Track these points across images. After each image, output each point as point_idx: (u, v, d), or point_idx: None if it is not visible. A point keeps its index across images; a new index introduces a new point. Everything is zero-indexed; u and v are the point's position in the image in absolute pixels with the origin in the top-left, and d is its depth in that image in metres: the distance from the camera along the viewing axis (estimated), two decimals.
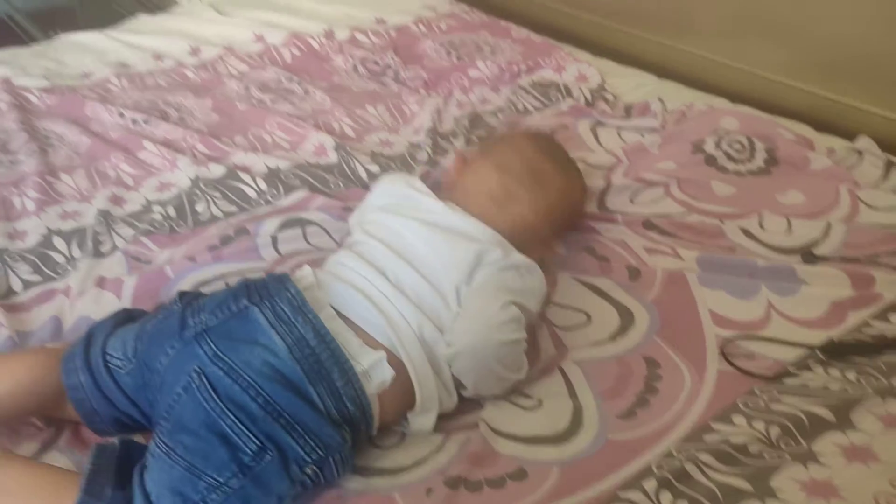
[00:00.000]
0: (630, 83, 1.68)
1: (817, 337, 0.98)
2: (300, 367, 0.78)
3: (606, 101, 1.60)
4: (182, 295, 0.88)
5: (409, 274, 0.90)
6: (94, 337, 0.86)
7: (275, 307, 0.81)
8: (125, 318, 0.90)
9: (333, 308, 0.85)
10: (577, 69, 1.69)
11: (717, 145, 1.37)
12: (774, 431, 0.85)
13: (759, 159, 1.34)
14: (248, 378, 0.76)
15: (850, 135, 1.41)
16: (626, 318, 1.02)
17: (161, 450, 0.75)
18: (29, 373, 0.85)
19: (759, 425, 0.86)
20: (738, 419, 0.87)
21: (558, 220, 1.09)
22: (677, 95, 1.60)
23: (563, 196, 1.10)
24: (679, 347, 0.97)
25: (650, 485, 0.79)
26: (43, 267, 1.11)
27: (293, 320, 0.81)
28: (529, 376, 0.92)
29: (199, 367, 0.77)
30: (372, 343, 0.84)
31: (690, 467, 0.81)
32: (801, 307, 1.03)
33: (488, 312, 0.87)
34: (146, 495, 0.73)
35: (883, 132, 1.40)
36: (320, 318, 0.82)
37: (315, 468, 0.77)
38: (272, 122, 1.46)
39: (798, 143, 1.37)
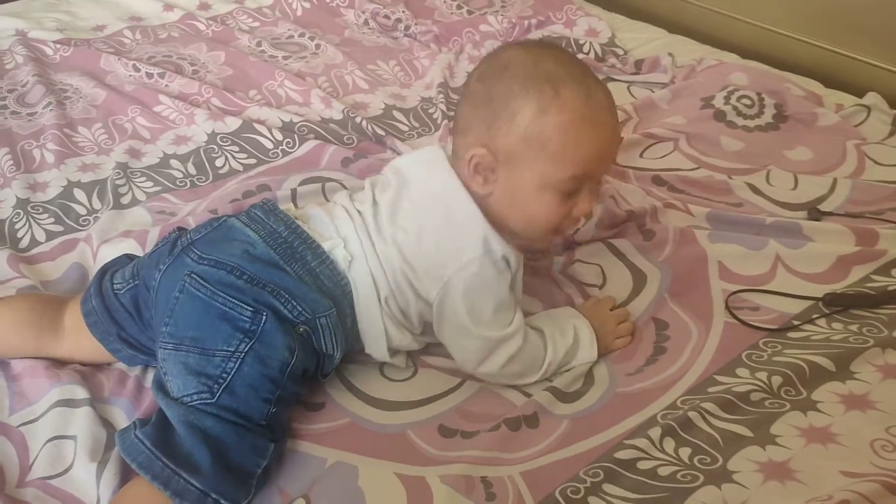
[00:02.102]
0: (640, 38, 1.68)
1: (821, 291, 1.01)
2: (275, 252, 0.85)
3: (616, 55, 1.61)
4: (179, 229, 0.95)
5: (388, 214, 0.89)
6: (105, 273, 0.94)
7: (249, 213, 0.90)
8: (131, 259, 0.96)
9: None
10: (588, 24, 1.69)
11: (727, 101, 1.38)
12: (776, 381, 0.88)
13: (768, 115, 1.35)
14: (231, 263, 0.84)
15: (859, 91, 1.41)
16: (639, 280, 1.03)
17: (170, 349, 0.82)
18: (30, 309, 0.92)
19: (762, 375, 0.89)
20: (742, 372, 0.90)
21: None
22: (687, 50, 1.61)
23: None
24: (687, 303, 1.00)
25: (654, 432, 0.83)
26: (65, 218, 1.14)
27: (265, 219, 0.89)
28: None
29: (189, 271, 0.84)
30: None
31: (694, 415, 0.84)
32: (807, 262, 1.05)
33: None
34: (166, 393, 0.80)
35: (893, 88, 1.41)
36: (290, 215, 0.90)
37: (306, 328, 0.83)
38: (284, 78, 1.47)
39: (807, 98, 1.38)
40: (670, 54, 1.56)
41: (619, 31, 1.69)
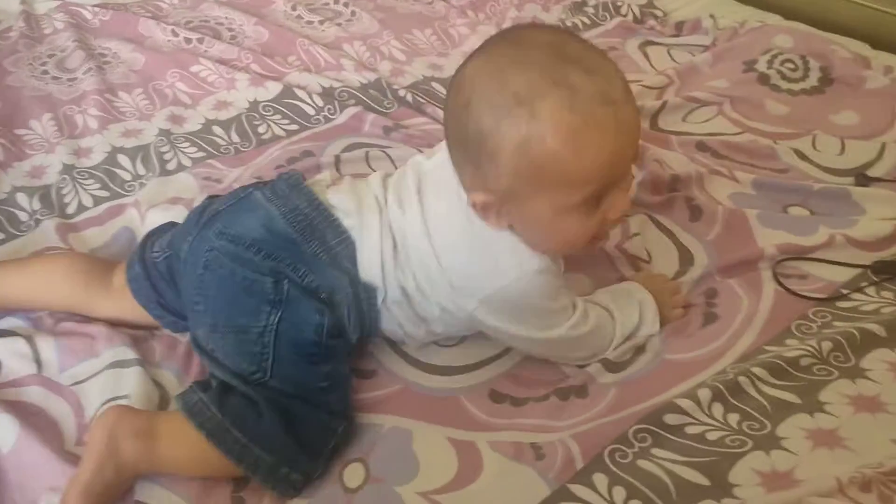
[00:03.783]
0: None
1: (870, 258, 0.99)
2: (293, 229, 0.83)
3: (656, 17, 1.58)
4: (210, 197, 0.94)
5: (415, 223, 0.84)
6: (149, 239, 0.95)
7: (273, 187, 0.87)
8: (175, 226, 0.97)
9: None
10: None
11: (770, 64, 1.35)
12: (826, 346, 0.87)
13: (814, 78, 1.33)
14: (248, 239, 0.82)
15: None
16: (686, 258, 1.01)
17: (207, 329, 0.82)
18: (81, 262, 0.94)
19: (812, 342, 0.88)
20: (792, 342, 0.90)
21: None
22: (729, 12, 1.58)
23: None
24: (736, 273, 0.99)
25: (703, 394, 0.83)
26: (110, 183, 1.15)
27: (288, 194, 0.86)
28: None
29: (210, 247, 0.83)
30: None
31: (743, 380, 0.84)
32: (856, 230, 1.03)
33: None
34: (226, 369, 0.80)
35: None
36: (314, 191, 0.86)
37: (328, 295, 0.82)
38: (320, 44, 1.47)
39: (854, 61, 1.35)
40: (712, 16, 1.53)
41: None
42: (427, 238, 0.82)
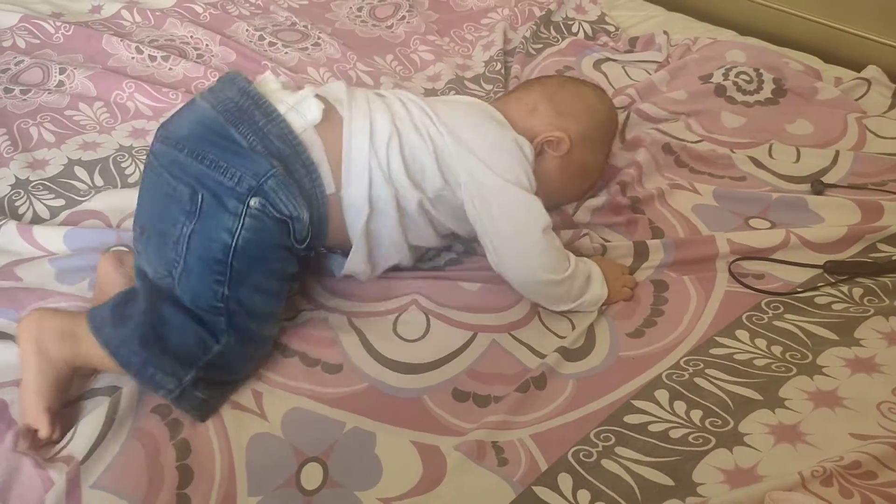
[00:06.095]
0: (637, 15, 1.66)
1: (825, 260, 1.01)
2: (220, 116, 0.86)
3: (608, 33, 1.59)
4: None
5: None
6: None
7: (212, 90, 0.91)
8: None
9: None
10: (578, 1, 1.67)
11: (726, 76, 1.38)
12: (776, 349, 0.88)
13: (767, 90, 1.35)
14: (176, 138, 0.86)
15: (857, 66, 1.41)
16: (641, 252, 1.03)
17: (138, 232, 0.88)
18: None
19: (762, 343, 0.89)
20: (742, 334, 0.91)
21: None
22: (684, 28, 1.59)
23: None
24: (689, 271, 1.00)
25: (662, 395, 0.83)
26: (66, 193, 1.13)
27: (222, 89, 0.90)
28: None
29: (151, 150, 0.89)
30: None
31: (700, 381, 0.85)
32: (813, 235, 1.04)
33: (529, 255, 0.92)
34: (145, 275, 0.86)
35: (892, 62, 1.41)
36: (251, 82, 0.90)
37: (259, 199, 0.83)
38: (292, 66, 1.46)
39: (806, 73, 1.38)
40: (665, 32, 1.55)
41: (615, 8, 1.68)
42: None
